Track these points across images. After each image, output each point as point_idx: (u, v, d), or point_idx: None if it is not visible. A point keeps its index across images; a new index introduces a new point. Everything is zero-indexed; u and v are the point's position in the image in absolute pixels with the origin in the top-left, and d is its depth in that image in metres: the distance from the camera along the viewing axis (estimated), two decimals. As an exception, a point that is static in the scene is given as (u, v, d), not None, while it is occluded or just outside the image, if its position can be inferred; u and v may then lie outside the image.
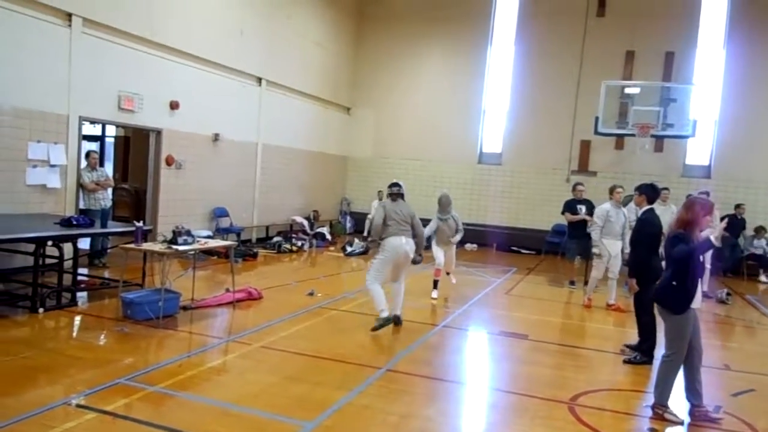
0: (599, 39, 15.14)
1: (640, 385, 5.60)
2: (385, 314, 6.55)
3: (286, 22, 14.03)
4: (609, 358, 6.42)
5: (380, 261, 6.74)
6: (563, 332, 7.69)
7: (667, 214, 10.55)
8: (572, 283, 10.70)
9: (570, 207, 10.39)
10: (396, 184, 6.97)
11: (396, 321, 6.80)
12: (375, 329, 6.50)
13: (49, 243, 6.84)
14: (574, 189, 10.66)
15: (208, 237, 9.79)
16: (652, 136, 13.66)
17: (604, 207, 8.79)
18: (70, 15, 8.61)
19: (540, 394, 5.09)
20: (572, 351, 6.67)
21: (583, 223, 9.87)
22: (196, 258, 8.07)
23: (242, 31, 12.43)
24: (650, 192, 6.54)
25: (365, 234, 7.95)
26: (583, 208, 10.23)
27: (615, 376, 5.91)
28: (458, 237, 9.00)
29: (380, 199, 16.26)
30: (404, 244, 6.67)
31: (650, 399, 4.84)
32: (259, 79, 13.30)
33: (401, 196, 6.89)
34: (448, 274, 9.60)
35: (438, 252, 8.92)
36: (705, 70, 14.78)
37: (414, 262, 6.97)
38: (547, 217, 15.31)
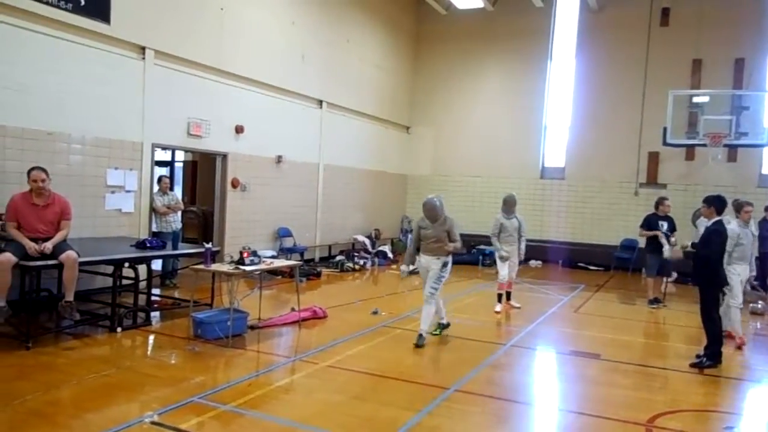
0: (664, 49, 14.67)
1: (719, 405, 5.35)
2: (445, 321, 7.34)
3: (345, 46, 14.31)
4: (687, 378, 6.12)
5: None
6: (637, 351, 7.36)
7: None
8: (656, 300, 9.97)
9: (650, 223, 9.86)
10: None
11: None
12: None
13: (126, 264, 7.15)
14: (660, 204, 9.94)
15: (273, 257, 9.99)
16: (725, 145, 13.04)
17: (731, 229, 7.26)
18: (143, 48, 9.08)
19: (615, 415, 4.89)
20: (648, 371, 6.39)
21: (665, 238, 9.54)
22: (262, 278, 8.24)
23: (303, 56, 12.75)
24: (719, 204, 6.63)
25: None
26: (665, 225, 9.71)
27: (694, 396, 5.63)
28: (523, 246, 9.10)
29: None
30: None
31: (731, 419, 4.59)
32: (320, 102, 13.58)
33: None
34: (509, 299, 9.26)
35: (502, 265, 8.95)
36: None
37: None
38: (615, 231, 14.88)
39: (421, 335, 6.75)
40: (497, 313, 8.85)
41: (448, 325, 7.31)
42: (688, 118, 13.50)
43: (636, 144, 14.96)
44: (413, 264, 7.24)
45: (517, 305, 9.28)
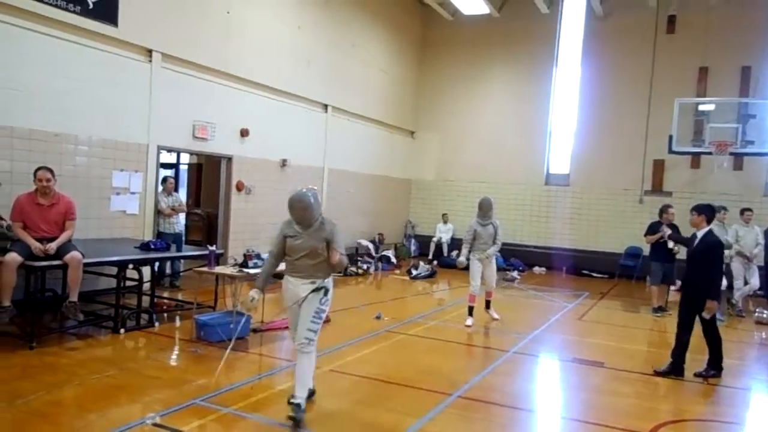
0: (670, 56, 14.65)
1: (723, 415, 5.31)
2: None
3: (351, 51, 14.34)
4: (691, 387, 6.08)
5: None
6: (641, 360, 7.31)
7: (750, 235, 10.07)
8: (660, 309, 9.90)
9: (653, 230, 9.81)
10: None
11: None
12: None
13: (130, 266, 7.16)
14: (665, 212, 9.80)
15: (277, 260, 9.96)
16: (731, 154, 13.02)
17: None
18: (150, 51, 9.11)
19: (618, 424, 4.86)
20: (652, 379, 6.35)
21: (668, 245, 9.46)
22: (266, 281, 8.23)
23: (309, 61, 12.78)
24: (709, 212, 6.39)
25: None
26: (668, 232, 9.72)
27: (697, 405, 5.61)
28: (495, 249, 8.35)
29: (445, 222, 16.45)
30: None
31: (734, 429, 4.56)
32: (325, 106, 13.60)
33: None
34: (488, 308, 8.71)
35: (475, 273, 8.35)
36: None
37: None
38: (620, 239, 14.84)
39: (298, 405, 4.40)
40: (468, 326, 8.15)
41: (313, 393, 5.02)
42: (694, 126, 13.47)
43: (641, 151, 14.93)
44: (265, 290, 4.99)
45: (497, 316, 8.60)
